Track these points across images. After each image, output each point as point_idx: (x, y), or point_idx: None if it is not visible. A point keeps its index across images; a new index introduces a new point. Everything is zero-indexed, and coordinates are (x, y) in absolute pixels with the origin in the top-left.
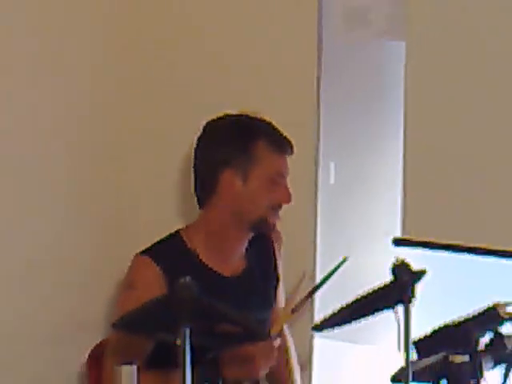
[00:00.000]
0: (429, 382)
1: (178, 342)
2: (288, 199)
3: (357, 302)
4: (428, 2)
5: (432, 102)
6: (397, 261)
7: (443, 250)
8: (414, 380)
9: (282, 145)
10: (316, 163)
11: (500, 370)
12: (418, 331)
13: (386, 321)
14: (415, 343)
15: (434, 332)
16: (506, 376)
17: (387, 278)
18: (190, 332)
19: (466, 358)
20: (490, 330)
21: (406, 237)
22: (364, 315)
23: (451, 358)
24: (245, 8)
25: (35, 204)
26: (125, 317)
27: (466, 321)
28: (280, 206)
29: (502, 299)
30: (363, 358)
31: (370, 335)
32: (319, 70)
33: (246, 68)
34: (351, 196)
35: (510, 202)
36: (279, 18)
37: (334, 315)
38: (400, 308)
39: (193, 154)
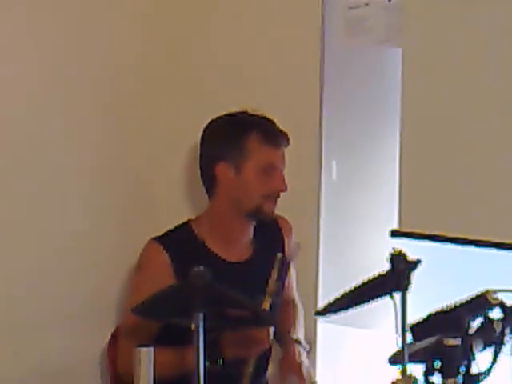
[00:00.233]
0: (423, 363)
1: (192, 326)
2: (281, 188)
3: (357, 289)
4: (423, 12)
5: (426, 103)
6: (394, 251)
7: (437, 241)
8: (410, 361)
9: (273, 137)
10: (319, 161)
11: (489, 352)
12: (414, 316)
13: (384, 306)
14: (411, 327)
15: (429, 317)
16: (495, 357)
17: (385, 267)
18: (204, 317)
19: (458, 341)
20: (480, 315)
21: (402, 229)
22: (364, 301)
23: (444, 340)
24: (254, 17)
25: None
26: (143, 303)
27: (458, 307)
28: (276, 195)
29: (491, 287)
30: (363, 341)
31: (369, 320)
32: (322, 74)
33: (255, 72)
34: (352, 191)
35: (498, 197)
36: (285, 26)
37: (336, 301)
38: (397, 295)
39: (198, 152)
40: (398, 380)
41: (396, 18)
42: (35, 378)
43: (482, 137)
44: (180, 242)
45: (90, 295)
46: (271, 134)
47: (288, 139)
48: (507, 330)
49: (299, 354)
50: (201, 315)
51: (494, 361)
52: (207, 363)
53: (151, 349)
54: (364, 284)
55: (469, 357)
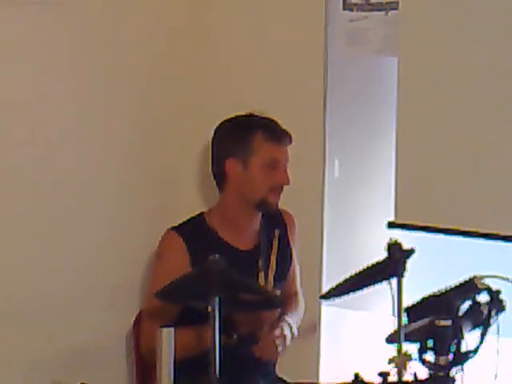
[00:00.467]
0: (418, 342)
1: (209, 308)
2: (285, 181)
3: (357, 275)
4: (417, 24)
5: (420, 107)
6: (390, 241)
7: (429, 232)
8: (405, 340)
9: (276, 135)
10: (323, 160)
11: (477, 332)
12: (409, 299)
13: (382, 291)
14: (406, 309)
15: (422, 300)
16: (482, 337)
17: (383, 255)
18: (219, 300)
19: (449, 322)
20: (468, 298)
21: (398, 221)
22: (363, 286)
23: (436, 322)
24: (265, 30)
25: (97, 192)
26: (164, 288)
27: (449, 291)
28: (279, 188)
29: (479, 273)
30: (362, 322)
31: (368, 303)
32: (325, 80)
33: (266, 79)
34: (352, 187)
35: (484, 192)
36: (292, 38)
37: (338, 286)
38: (393, 280)
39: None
40: (394, 357)
41: (393, 30)
42: (68, 356)
43: (471, 136)
44: (194, 232)
45: (116, 282)
46: (274, 133)
47: (290, 138)
48: (493, 313)
49: (281, 328)
50: (216, 299)
51: (482, 340)
52: (224, 338)
53: (172, 329)
54: (364, 271)
55: (458, 336)
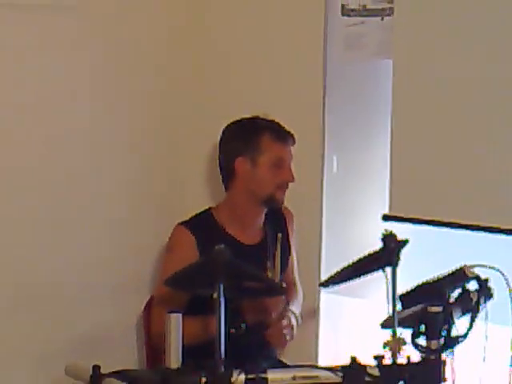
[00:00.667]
0: (411, 327)
1: (215, 295)
2: (290, 178)
3: (354, 264)
4: (410, 28)
5: (414, 106)
6: (385, 232)
7: (422, 224)
8: (399, 326)
9: (283, 136)
10: (322, 156)
11: (467, 318)
12: (403, 287)
13: (378, 279)
14: (400, 297)
15: (415, 288)
16: (471, 323)
17: (378, 245)
18: (224, 288)
19: (440, 308)
20: (459, 286)
21: (393, 213)
22: (360, 274)
23: (428, 308)
24: (268, 35)
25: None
26: (173, 276)
27: (440, 279)
28: (285, 185)
29: (468, 262)
30: (359, 309)
31: (364, 290)
32: (324, 82)
33: (269, 81)
34: (350, 182)
35: (476, 186)
36: (292, 42)
37: (336, 274)
38: (388, 269)
39: (217, 150)
40: (388, 341)
41: (388, 35)
42: (84, 340)
43: (462, 133)
44: (203, 226)
45: (128, 271)
46: (281, 133)
47: (294, 138)
48: (482, 300)
49: (289, 318)
50: (221, 286)
51: (471, 326)
52: (233, 329)
53: (180, 314)
54: (360, 260)
55: (449, 322)
